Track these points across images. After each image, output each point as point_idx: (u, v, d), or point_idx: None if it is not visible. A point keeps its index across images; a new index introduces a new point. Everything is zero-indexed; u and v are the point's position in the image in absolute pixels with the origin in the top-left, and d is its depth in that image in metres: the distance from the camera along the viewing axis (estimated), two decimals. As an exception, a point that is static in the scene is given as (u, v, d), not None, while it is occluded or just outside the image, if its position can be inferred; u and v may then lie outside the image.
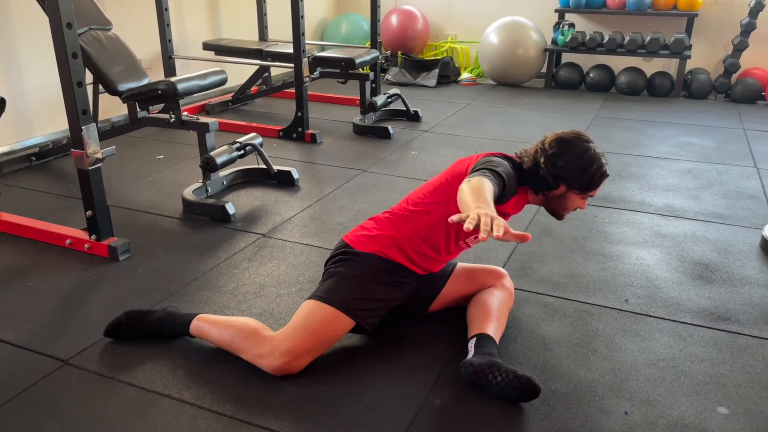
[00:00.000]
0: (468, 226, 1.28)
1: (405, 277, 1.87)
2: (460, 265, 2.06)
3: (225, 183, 3.18)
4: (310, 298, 1.79)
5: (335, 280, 1.81)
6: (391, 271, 1.83)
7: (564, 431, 1.56)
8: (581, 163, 1.79)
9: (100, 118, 3.80)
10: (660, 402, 1.68)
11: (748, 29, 5.16)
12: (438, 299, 2.01)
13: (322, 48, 5.47)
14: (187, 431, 1.54)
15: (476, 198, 1.42)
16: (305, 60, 3.90)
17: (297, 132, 4.04)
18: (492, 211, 1.35)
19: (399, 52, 6.06)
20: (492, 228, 1.27)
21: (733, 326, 2.04)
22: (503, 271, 2.07)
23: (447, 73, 5.88)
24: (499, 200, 1.70)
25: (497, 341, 1.81)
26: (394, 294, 1.85)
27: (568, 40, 5.55)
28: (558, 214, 1.93)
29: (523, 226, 2.77)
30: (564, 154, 1.79)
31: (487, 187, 1.50)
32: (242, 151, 2.98)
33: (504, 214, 1.87)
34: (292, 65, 3.93)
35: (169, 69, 4.42)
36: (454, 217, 1.33)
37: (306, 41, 3.88)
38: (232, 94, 4.88)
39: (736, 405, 1.67)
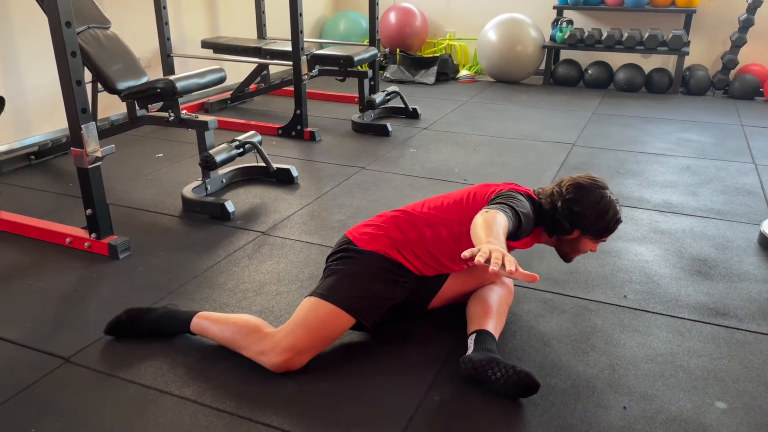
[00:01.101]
0: (479, 259, 1.32)
1: (405, 276, 1.87)
2: (459, 262, 2.07)
3: (224, 181, 3.18)
4: (310, 295, 1.80)
5: (336, 277, 1.81)
6: (392, 270, 1.84)
7: (563, 426, 1.57)
8: (597, 210, 1.82)
9: (99, 116, 3.80)
10: (658, 397, 1.69)
11: (746, 25, 5.17)
12: (438, 296, 2.01)
13: (321, 46, 5.47)
14: (188, 428, 1.55)
15: (488, 233, 1.46)
16: (304, 58, 3.90)
17: (296, 130, 4.04)
18: (503, 247, 1.39)
19: (397, 50, 6.06)
20: (504, 264, 1.31)
21: (731, 321, 2.05)
22: (502, 267, 2.07)
23: (445, 70, 5.88)
24: (512, 237, 1.72)
25: (497, 337, 1.82)
26: (394, 292, 1.86)
27: (566, 36, 5.56)
28: (568, 257, 1.97)
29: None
30: (581, 200, 1.82)
31: (501, 222, 1.54)
32: (241, 149, 2.99)
33: (510, 247, 1.89)
34: (291, 63, 3.94)
35: (168, 67, 4.42)
36: (466, 253, 1.36)
37: (304, 39, 3.88)
38: (231, 92, 4.88)
39: (734, 400, 1.68)
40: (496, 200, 1.75)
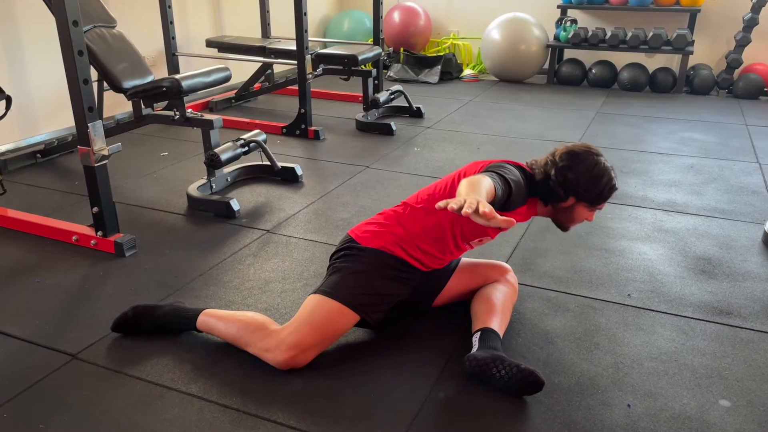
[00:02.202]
0: (452, 206, 1.30)
1: (409, 273, 1.88)
2: (464, 260, 2.08)
3: (229, 179, 3.19)
4: (315, 292, 1.81)
5: (340, 275, 1.82)
6: (395, 267, 1.85)
7: (567, 424, 1.58)
8: (591, 176, 1.82)
9: (105, 115, 3.81)
10: (662, 395, 1.69)
11: (750, 25, 5.16)
12: (442, 294, 2.02)
13: (325, 45, 5.48)
14: (195, 424, 1.56)
15: (468, 190, 1.44)
16: (308, 57, 3.91)
17: (300, 129, 4.05)
18: (482, 199, 1.37)
19: (401, 49, 6.06)
20: (478, 207, 1.29)
21: (735, 320, 2.05)
22: (507, 266, 2.08)
23: (449, 69, 5.88)
24: (506, 207, 1.72)
25: (501, 335, 1.82)
26: (398, 289, 1.86)
27: (570, 36, 5.55)
28: (564, 226, 1.96)
29: (525, 223, 2.78)
30: (574, 167, 1.81)
31: (485, 184, 1.52)
32: (246, 148, 3.00)
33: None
34: (295, 62, 3.95)
35: (173, 66, 4.43)
36: (441, 203, 1.34)
37: (309, 38, 3.89)
38: (236, 91, 4.89)
39: (738, 398, 1.69)
40: (485, 171, 1.73)
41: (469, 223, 1.80)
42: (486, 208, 1.29)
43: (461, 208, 1.30)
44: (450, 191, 1.86)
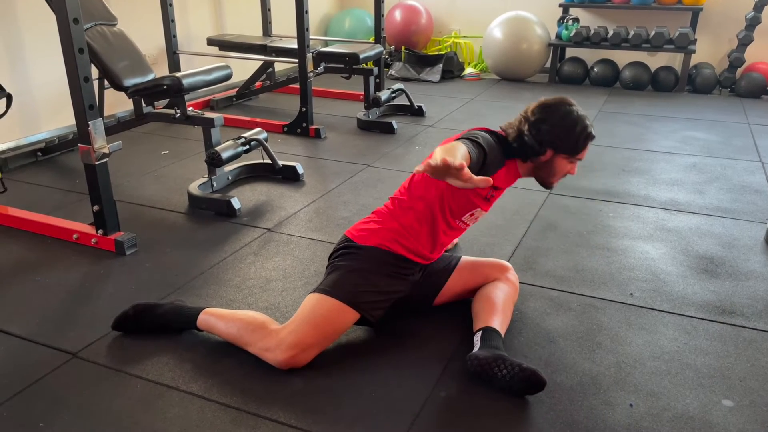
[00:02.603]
0: (427, 162, 1.30)
1: (408, 268, 1.88)
2: (464, 258, 2.07)
3: (230, 178, 3.19)
4: (314, 291, 1.80)
5: (339, 273, 1.82)
6: (394, 264, 1.85)
7: (569, 423, 1.57)
8: (565, 125, 1.82)
9: (106, 113, 3.81)
10: (665, 395, 1.69)
11: (753, 23, 5.14)
12: (442, 293, 2.02)
13: (326, 43, 5.48)
14: (196, 423, 1.56)
15: (443, 153, 1.45)
16: (309, 55, 3.90)
17: (301, 127, 4.04)
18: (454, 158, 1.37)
19: (403, 48, 6.05)
20: (449, 163, 1.29)
21: (737, 320, 2.04)
22: (507, 264, 2.07)
23: (451, 68, 5.87)
24: (485, 171, 1.72)
25: (502, 334, 1.82)
26: (398, 286, 1.86)
27: (572, 34, 5.54)
28: (547, 182, 1.94)
29: (528, 221, 2.77)
30: (548, 118, 1.82)
31: (459, 148, 1.53)
32: (247, 147, 2.99)
33: (496, 189, 1.89)
34: (297, 60, 3.94)
35: (174, 64, 4.43)
36: (419, 167, 1.34)
37: (310, 36, 3.89)
38: (237, 89, 4.89)
39: (741, 398, 1.68)
40: (456, 140, 1.73)
41: (455, 198, 1.81)
42: (457, 162, 1.30)
43: (435, 164, 1.30)
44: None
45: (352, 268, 1.82)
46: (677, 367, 1.80)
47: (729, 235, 2.66)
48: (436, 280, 2.00)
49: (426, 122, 4.40)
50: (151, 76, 3.09)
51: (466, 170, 1.30)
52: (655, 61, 5.74)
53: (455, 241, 2.51)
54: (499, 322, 1.84)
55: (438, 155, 1.42)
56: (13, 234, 2.61)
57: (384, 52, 4.56)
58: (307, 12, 3.76)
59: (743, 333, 1.97)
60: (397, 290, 1.87)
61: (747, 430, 1.56)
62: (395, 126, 4.14)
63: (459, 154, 1.50)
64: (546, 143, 1.83)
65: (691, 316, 2.06)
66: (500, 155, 1.83)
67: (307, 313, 1.75)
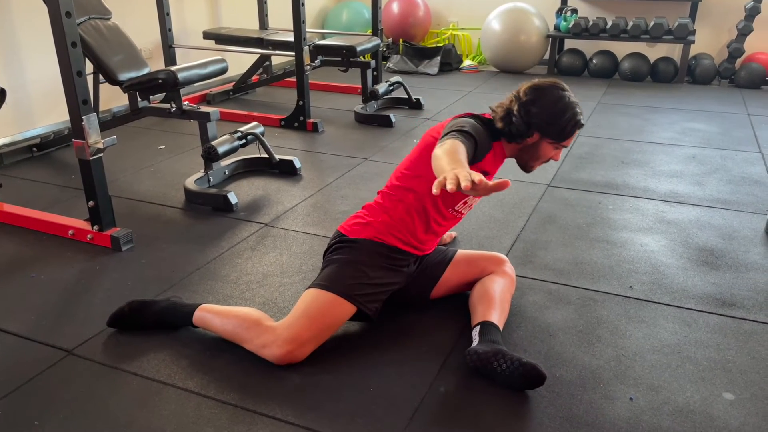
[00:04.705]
0: (450, 187, 1.27)
1: (403, 260, 1.87)
2: (460, 251, 2.06)
3: (227, 173, 3.17)
4: (311, 286, 1.79)
5: (334, 267, 1.81)
6: (388, 255, 1.84)
7: (569, 418, 1.56)
8: (555, 110, 1.80)
9: (101, 108, 3.78)
10: (665, 388, 1.67)
11: (752, 13, 5.12)
12: (439, 286, 2.01)
13: (323, 36, 5.44)
14: (192, 420, 1.55)
15: (450, 161, 1.42)
16: (306, 48, 3.87)
17: (298, 121, 4.02)
18: (467, 169, 1.35)
19: (400, 40, 6.02)
20: (473, 180, 1.26)
21: (738, 312, 2.03)
22: (503, 257, 2.06)
23: (449, 60, 5.84)
24: (475, 159, 1.70)
25: (501, 328, 1.81)
26: (393, 278, 1.85)
27: (570, 26, 5.51)
28: (529, 166, 1.92)
29: (527, 215, 2.76)
30: (538, 100, 1.80)
31: (460, 149, 1.51)
32: (244, 141, 2.97)
33: (485, 173, 1.87)
34: (293, 54, 3.91)
35: (170, 58, 4.39)
36: (435, 188, 1.31)
37: (307, 29, 3.86)
38: (233, 83, 4.86)
39: (742, 391, 1.67)
40: (444, 134, 1.70)
41: (444, 191, 1.78)
42: (476, 177, 1.27)
43: (458, 185, 1.27)
44: (421, 166, 1.84)
45: (347, 261, 1.81)
46: (677, 360, 1.79)
47: (729, 227, 2.65)
48: (432, 272, 1.99)
49: (424, 115, 4.38)
50: (146, 70, 3.07)
51: (482, 180, 1.27)
52: (655, 52, 5.71)
53: (454, 234, 2.49)
54: (497, 316, 1.82)
55: (446, 164, 1.40)
56: (9, 230, 2.60)
57: (381, 45, 4.53)
58: (303, 4, 3.73)
59: (744, 325, 1.96)
60: (393, 282, 1.86)
61: (748, 423, 1.55)
62: (393, 119, 4.12)
63: (463, 157, 1.47)
64: (534, 126, 1.80)
65: (691, 309, 2.05)
66: (487, 140, 1.80)
67: (303, 308, 1.73)
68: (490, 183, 1.27)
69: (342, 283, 1.76)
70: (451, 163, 1.41)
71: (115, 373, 1.72)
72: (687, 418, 1.57)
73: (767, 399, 1.64)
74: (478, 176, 1.27)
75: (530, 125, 1.80)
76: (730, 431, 1.53)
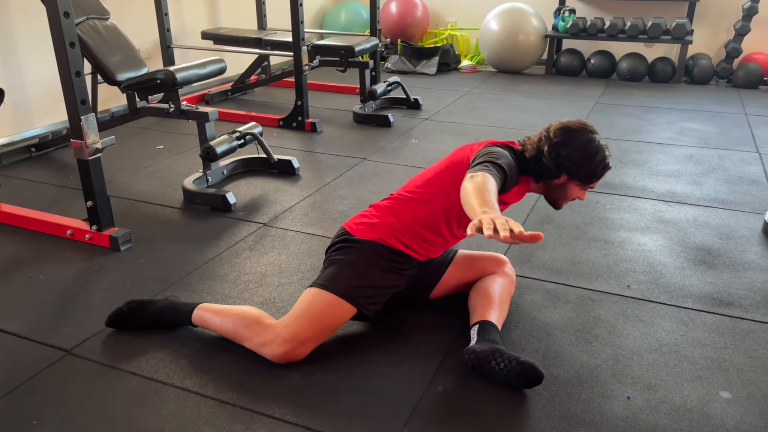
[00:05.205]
0: (488, 233, 1.26)
1: (405, 263, 1.87)
2: (460, 252, 2.06)
3: (225, 173, 3.17)
4: (311, 285, 1.79)
5: (336, 267, 1.81)
6: (391, 258, 1.83)
7: (566, 416, 1.57)
8: (585, 154, 1.79)
9: (99, 108, 3.78)
10: (662, 387, 1.68)
11: (749, 13, 5.13)
12: (439, 286, 2.01)
13: (322, 36, 5.44)
14: (191, 419, 1.55)
15: (481, 202, 1.42)
16: (304, 48, 3.87)
17: (297, 121, 4.02)
18: (497, 212, 1.35)
19: (399, 40, 6.02)
20: (511, 230, 1.26)
21: (735, 311, 2.04)
22: (504, 257, 2.06)
23: (447, 60, 5.85)
24: (501, 190, 1.69)
25: (499, 328, 1.81)
26: (395, 280, 1.85)
27: (568, 26, 5.52)
28: (556, 204, 1.93)
29: (525, 213, 2.76)
30: (568, 143, 1.78)
31: (491, 186, 1.50)
32: (242, 141, 2.97)
33: (504, 203, 1.86)
34: (292, 54, 3.91)
35: (168, 59, 4.40)
36: (470, 230, 1.30)
37: (305, 29, 3.86)
38: (232, 83, 4.86)
39: (739, 389, 1.67)
40: (476, 161, 1.70)
41: (460, 211, 1.77)
42: (516, 228, 1.26)
43: (495, 232, 1.27)
44: (443, 183, 1.84)
45: (349, 262, 1.81)
46: (675, 359, 1.79)
47: (726, 226, 2.66)
48: (433, 273, 1.99)
49: (422, 115, 4.38)
50: (144, 71, 3.07)
51: (521, 231, 1.26)
52: (652, 52, 5.72)
53: None
54: (496, 316, 1.83)
55: (476, 204, 1.39)
56: (7, 230, 2.60)
57: (380, 45, 4.53)
58: (301, 5, 3.73)
59: (741, 324, 1.97)
60: (394, 285, 1.86)
61: (744, 421, 1.56)
62: (391, 119, 4.12)
63: (493, 196, 1.46)
64: (562, 168, 1.80)
65: (688, 308, 2.05)
66: (516, 174, 1.79)
67: (303, 308, 1.74)
68: (526, 234, 1.26)
69: (343, 284, 1.76)
70: (482, 205, 1.40)
71: (114, 372, 1.72)
72: (684, 416, 1.57)
73: (764, 398, 1.65)
74: (517, 227, 1.26)
75: (559, 167, 1.79)
76: (727, 430, 1.53)
